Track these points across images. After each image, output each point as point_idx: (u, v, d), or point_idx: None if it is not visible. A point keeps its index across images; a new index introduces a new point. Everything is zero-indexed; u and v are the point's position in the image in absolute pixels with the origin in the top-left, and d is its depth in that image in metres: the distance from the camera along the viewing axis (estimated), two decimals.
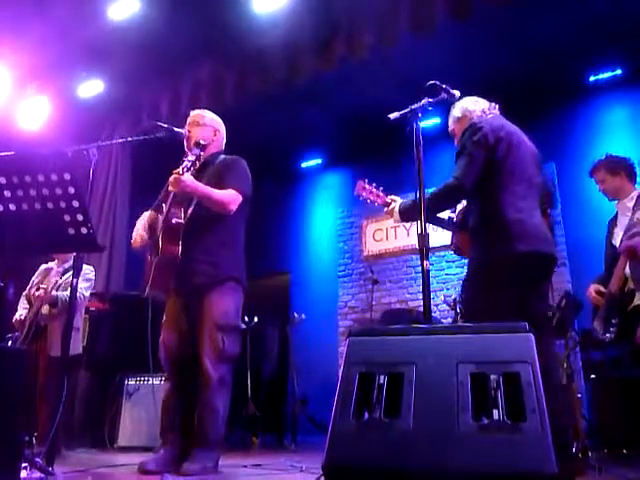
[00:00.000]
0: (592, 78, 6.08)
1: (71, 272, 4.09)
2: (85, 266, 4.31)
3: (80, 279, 4.05)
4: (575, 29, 5.19)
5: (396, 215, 2.69)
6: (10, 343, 4.02)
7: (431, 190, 2.53)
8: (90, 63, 5.73)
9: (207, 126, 3.14)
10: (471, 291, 2.55)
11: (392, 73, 5.71)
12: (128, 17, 5.10)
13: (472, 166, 2.47)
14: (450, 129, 2.87)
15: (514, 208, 2.42)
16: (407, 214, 2.66)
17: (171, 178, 2.79)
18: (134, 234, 3.04)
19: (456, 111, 2.80)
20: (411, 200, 2.58)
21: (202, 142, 2.87)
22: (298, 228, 8.01)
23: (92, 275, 4.31)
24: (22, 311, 4.18)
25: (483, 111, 2.72)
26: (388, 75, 5.73)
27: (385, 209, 2.77)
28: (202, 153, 2.85)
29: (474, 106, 2.75)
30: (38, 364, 3.97)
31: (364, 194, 2.86)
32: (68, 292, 4.00)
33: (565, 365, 3.94)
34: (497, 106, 2.80)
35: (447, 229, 2.95)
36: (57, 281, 4.07)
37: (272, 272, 7.77)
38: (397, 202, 2.74)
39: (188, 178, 2.79)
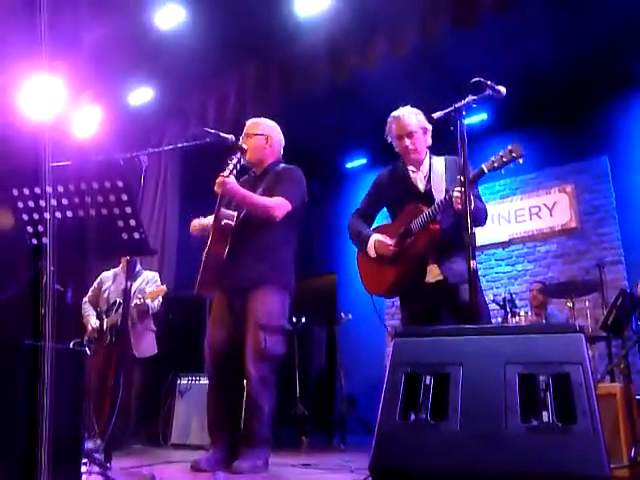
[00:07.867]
0: None
1: (142, 278, 4.53)
2: (152, 273, 4.73)
3: (153, 287, 4.48)
4: (624, 15, 4.99)
5: None
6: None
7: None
8: (140, 72, 5.91)
9: (258, 136, 3.18)
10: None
11: (435, 70, 5.64)
12: (175, 25, 5.25)
13: None
14: (415, 129, 2.92)
15: None
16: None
17: (217, 180, 2.90)
18: (193, 222, 3.19)
19: (425, 121, 2.96)
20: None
21: (244, 146, 2.98)
22: (344, 228, 7.99)
23: (159, 282, 4.64)
24: (93, 318, 4.44)
25: None
26: (430, 72, 5.66)
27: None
28: (242, 156, 2.95)
29: None
30: (113, 365, 4.19)
31: None
32: (155, 302, 4.45)
33: (622, 365, 3.79)
34: None
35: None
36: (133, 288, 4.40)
37: (319, 272, 7.80)
38: None
39: (231, 181, 2.90)
